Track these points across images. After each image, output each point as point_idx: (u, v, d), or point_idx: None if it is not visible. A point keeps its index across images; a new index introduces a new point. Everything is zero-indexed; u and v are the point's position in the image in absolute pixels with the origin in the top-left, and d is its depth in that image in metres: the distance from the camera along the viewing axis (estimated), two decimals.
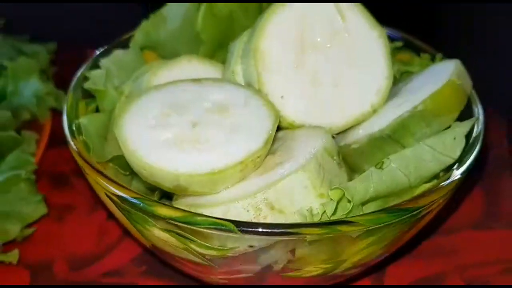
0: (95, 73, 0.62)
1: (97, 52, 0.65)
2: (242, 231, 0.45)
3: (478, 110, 0.57)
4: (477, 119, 0.56)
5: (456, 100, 0.55)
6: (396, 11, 0.79)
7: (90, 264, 0.64)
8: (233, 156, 0.50)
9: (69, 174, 0.75)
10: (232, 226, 0.45)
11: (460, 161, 0.52)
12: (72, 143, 0.54)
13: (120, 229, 0.67)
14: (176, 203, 0.53)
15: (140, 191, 0.57)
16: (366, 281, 0.62)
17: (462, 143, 0.52)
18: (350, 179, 0.54)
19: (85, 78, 0.62)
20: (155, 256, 0.62)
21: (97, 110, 0.62)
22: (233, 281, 0.54)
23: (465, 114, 0.56)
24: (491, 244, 0.66)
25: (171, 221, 0.46)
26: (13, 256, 0.62)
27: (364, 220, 0.46)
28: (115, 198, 0.50)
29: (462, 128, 0.53)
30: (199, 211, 0.49)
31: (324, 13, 0.58)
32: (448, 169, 0.52)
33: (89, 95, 0.62)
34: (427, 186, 0.51)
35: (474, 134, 0.54)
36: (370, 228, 0.46)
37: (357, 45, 0.58)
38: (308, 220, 0.48)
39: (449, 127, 0.55)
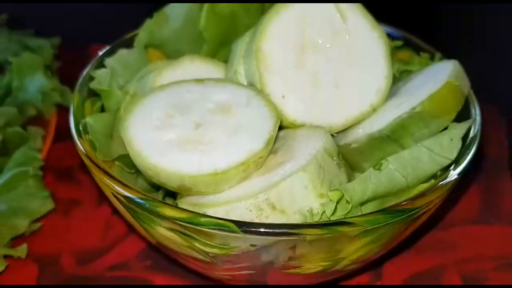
0: (100, 73, 0.63)
1: (100, 53, 0.66)
2: (244, 231, 0.46)
3: (476, 111, 0.58)
4: (474, 120, 0.57)
5: (454, 101, 0.56)
6: (396, 11, 0.79)
7: (96, 258, 0.66)
8: (236, 157, 0.52)
9: (75, 168, 0.77)
10: (234, 226, 0.46)
11: (457, 161, 0.53)
12: (79, 143, 0.55)
13: (126, 223, 0.69)
14: (180, 202, 0.55)
15: (145, 189, 0.59)
16: (364, 275, 0.63)
17: (458, 144, 0.53)
18: (350, 177, 0.56)
19: (90, 78, 0.63)
20: (159, 251, 0.64)
21: (102, 108, 0.63)
22: (235, 277, 0.56)
23: (463, 114, 0.57)
24: (488, 240, 0.67)
25: (176, 221, 0.48)
26: (21, 251, 0.64)
27: (363, 221, 0.47)
28: (121, 198, 0.51)
29: (459, 130, 0.54)
30: (203, 210, 0.51)
31: (324, 13, 0.59)
32: (446, 169, 0.53)
33: (94, 94, 0.63)
34: (425, 186, 0.52)
35: (471, 135, 0.55)
36: (368, 228, 0.48)
37: (357, 46, 0.59)
38: (309, 220, 0.50)
39: (447, 127, 0.56)
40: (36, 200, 0.68)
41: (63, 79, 0.84)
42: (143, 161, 0.52)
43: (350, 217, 0.48)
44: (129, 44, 0.67)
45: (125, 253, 0.66)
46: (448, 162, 0.53)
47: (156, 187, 0.58)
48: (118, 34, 0.69)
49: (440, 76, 0.57)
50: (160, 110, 0.55)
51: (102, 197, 0.71)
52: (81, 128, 0.57)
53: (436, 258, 0.65)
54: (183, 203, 0.54)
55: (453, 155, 0.53)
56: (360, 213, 0.50)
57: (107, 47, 0.67)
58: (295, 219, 0.50)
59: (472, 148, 0.54)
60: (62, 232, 0.69)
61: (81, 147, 0.55)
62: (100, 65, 0.64)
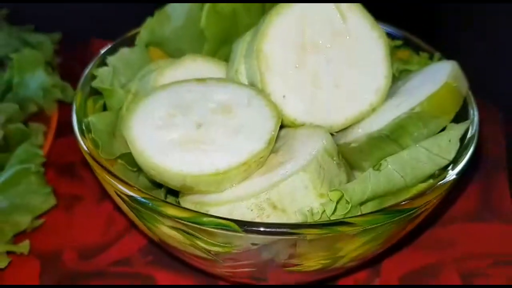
0: (102, 71, 0.63)
1: (102, 51, 0.66)
2: (246, 231, 0.47)
3: (474, 112, 0.58)
4: (472, 121, 0.57)
5: (452, 102, 0.57)
6: (396, 11, 0.79)
7: (98, 253, 0.66)
8: (237, 157, 0.52)
9: (76, 164, 0.77)
10: (236, 226, 0.47)
11: (455, 162, 0.54)
12: (82, 142, 0.56)
13: (128, 219, 0.69)
14: (182, 200, 0.55)
15: (147, 186, 0.60)
16: (363, 272, 0.64)
17: (456, 145, 0.54)
18: (349, 177, 0.56)
19: (92, 76, 0.63)
20: (161, 247, 0.64)
21: (104, 106, 0.64)
22: (236, 274, 0.57)
23: (462, 114, 0.58)
24: (486, 238, 0.68)
25: (179, 221, 0.49)
26: (24, 247, 0.65)
27: (362, 221, 0.48)
28: (125, 197, 0.52)
29: (457, 130, 0.54)
30: (205, 209, 0.52)
31: (324, 14, 0.59)
32: (444, 169, 0.54)
33: (96, 92, 0.63)
34: (423, 186, 0.53)
35: (468, 136, 0.56)
36: (368, 228, 0.48)
37: (357, 46, 0.60)
38: (309, 219, 0.50)
39: (445, 127, 0.57)
40: (38, 197, 0.69)
41: (63, 75, 0.84)
42: (145, 160, 0.53)
43: (350, 217, 0.48)
44: (130, 43, 0.68)
45: (127, 249, 0.67)
46: (446, 162, 0.53)
47: (158, 184, 0.59)
48: (119, 33, 0.69)
49: (439, 76, 0.58)
50: (162, 110, 0.55)
51: (103, 193, 0.72)
52: (84, 127, 0.58)
53: (435, 255, 0.66)
54: (186, 201, 0.54)
55: (451, 156, 0.53)
56: (359, 213, 0.51)
57: (109, 45, 0.67)
58: (296, 219, 0.51)
59: (470, 148, 0.55)
60: (64, 228, 0.69)
61: (84, 146, 0.56)
62: (102, 63, 0.65)
